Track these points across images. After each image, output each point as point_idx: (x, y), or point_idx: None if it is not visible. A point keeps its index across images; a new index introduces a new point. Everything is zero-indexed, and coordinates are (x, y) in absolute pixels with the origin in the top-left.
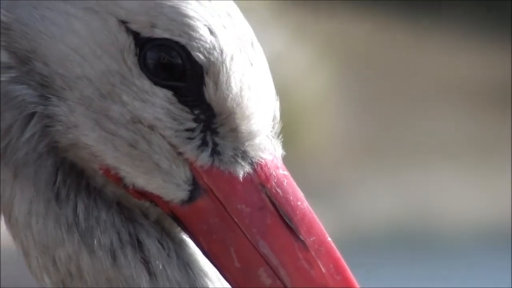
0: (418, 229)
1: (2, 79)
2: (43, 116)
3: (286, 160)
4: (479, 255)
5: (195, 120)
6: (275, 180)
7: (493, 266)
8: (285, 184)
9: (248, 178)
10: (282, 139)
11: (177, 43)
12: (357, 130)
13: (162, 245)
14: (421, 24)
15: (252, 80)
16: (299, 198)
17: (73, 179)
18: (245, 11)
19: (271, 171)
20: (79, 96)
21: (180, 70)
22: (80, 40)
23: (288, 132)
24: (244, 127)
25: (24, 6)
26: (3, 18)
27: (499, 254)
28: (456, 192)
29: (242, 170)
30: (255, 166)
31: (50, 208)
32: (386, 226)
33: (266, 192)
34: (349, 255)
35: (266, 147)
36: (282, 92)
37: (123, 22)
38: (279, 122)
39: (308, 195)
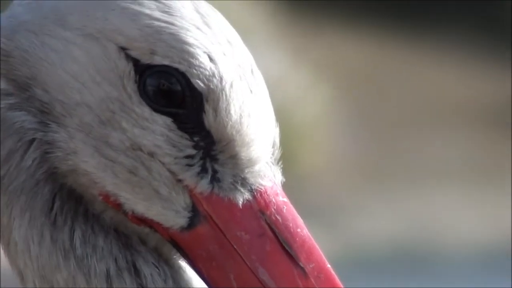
0: (419, 251)
1: (2, 105)
2: (43, 143)
3: (285, 182)
4: (479, 276)
5: (195, 147)
6: (275, 207)
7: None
8: (284, 211)
9: (247, 205)
10: (281, 161)
11: (176, 70)
12: (357, 152)
13: (159, 271)
14: (420, 46)
15: (252, 107)
16: (299, 225)
17: (71, 206)
18: (243, 35)
19: (271, 198)
20: (79, 123)
21: (180, 97)
22: (79, 67)
23: (288, 154)
24: (243, 154)
25: (24, 33)
26: (3, 45)
27: (500, 274)
28: (456, 214)
29: (242, 197)
30: (255, 193)
31: (46, 235)
32: (386, 247)
33: (265, 219)
34: (349, 276)
35: (266, 174)
36: (281, 114)
37: (122, 49)
38: (279, 148)
39: (307, 217)
